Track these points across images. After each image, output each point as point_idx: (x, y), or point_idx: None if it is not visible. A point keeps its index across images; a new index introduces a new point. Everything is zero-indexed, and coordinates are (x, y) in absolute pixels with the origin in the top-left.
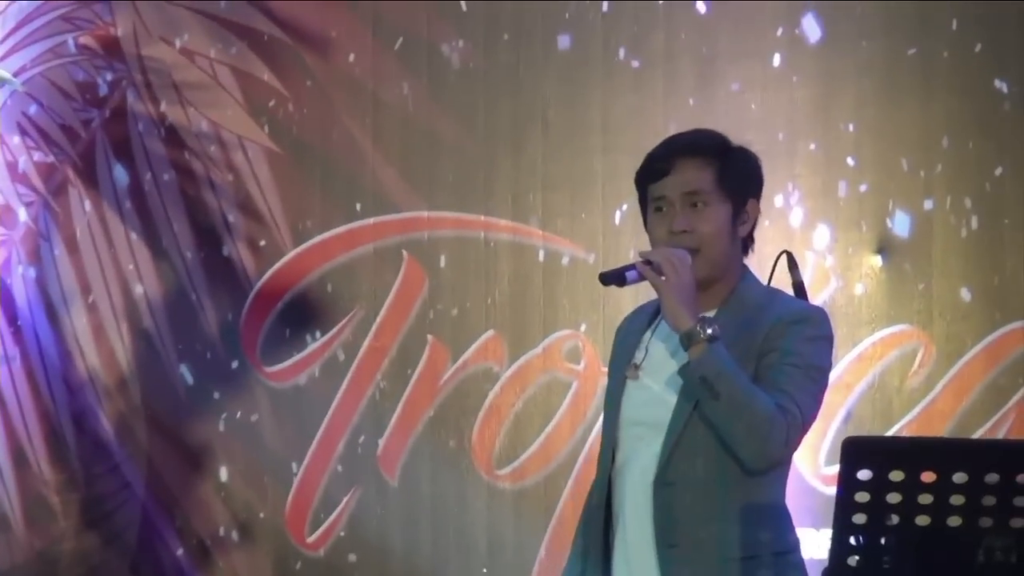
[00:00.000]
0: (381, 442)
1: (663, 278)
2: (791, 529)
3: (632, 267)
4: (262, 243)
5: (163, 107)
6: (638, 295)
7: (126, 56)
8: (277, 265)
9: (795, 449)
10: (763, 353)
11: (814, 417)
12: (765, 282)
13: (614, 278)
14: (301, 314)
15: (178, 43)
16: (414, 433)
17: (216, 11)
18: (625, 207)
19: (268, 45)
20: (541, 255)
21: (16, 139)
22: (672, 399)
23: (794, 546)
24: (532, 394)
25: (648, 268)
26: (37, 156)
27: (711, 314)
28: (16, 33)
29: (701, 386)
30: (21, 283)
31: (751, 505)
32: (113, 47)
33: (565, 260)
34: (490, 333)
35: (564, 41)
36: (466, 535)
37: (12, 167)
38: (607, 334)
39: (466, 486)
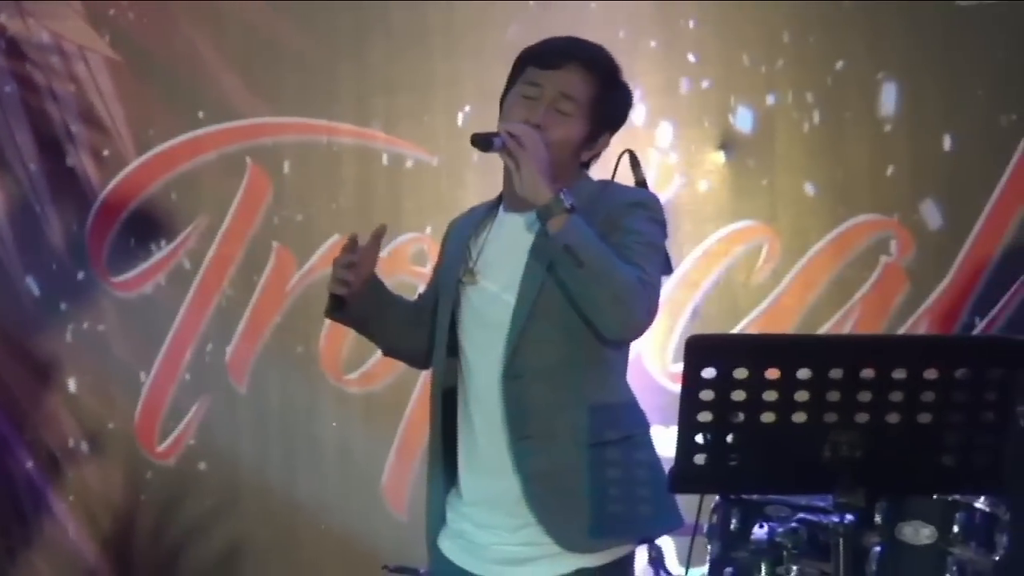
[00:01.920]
0: (229, 350)
1: (523, 151)
2: (640, 412)
3: (498, 135)
4: (105, 153)
5: (2, 19)
6: (482, 198)
7: None
8: (121, 175)
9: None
10: (604, 235)
11: (650, 314)
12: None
13: (481, 141)
14: (146, 223)
15: None
16: (262, 340)
17: None
18: (468, 109)
19: None
20: (385, 159)
21: None
22: (511, 298)
23: (644, 428)
24: None
25: (512, 139)
26: None
27: None
28: None
29: (565, 255)
30: None
31: (599, 391)
32: None
33: (409, 163)
34: (336, 238)
35: None
36: (316, 440)
37: None
38: None
39: (315, 392)
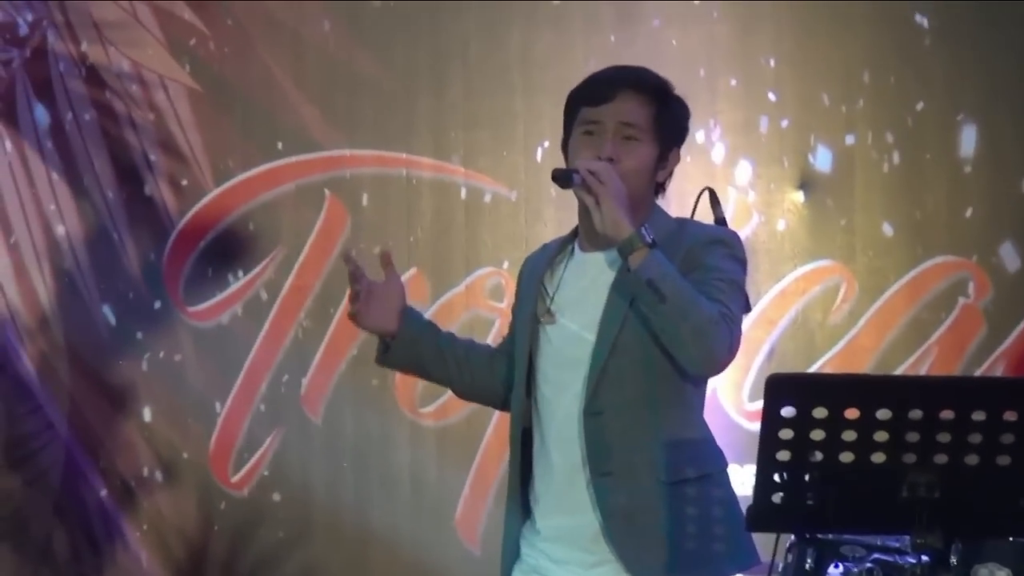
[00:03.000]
0: (304, 381)
1: (602, 186)
2: (717, 450)
3: (576, 171)
4: (184, 182)
5: (84, 47)
6: (560, 232)
7: None
8: (199, 204)
9: (734, 357)
10: (684, 272)
11: (732, 348)
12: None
13: (561, 177)
14: (223, 253)
15: None
16: (337, 372)
17: None
18: (547, 144)
19: None
20: (463, 193)
21: None
22: (591, 336)
23: (722, 466)
24: (455, 332)
25: (591, 176)
26: None
27: None
28: None
29: (647, 290)
30: None
31: (678, 428)
32: None
33: (487, 198)
34: (413, 271)
35: None
36: (390, 474)
37: None
38: None
39: (389, 425)
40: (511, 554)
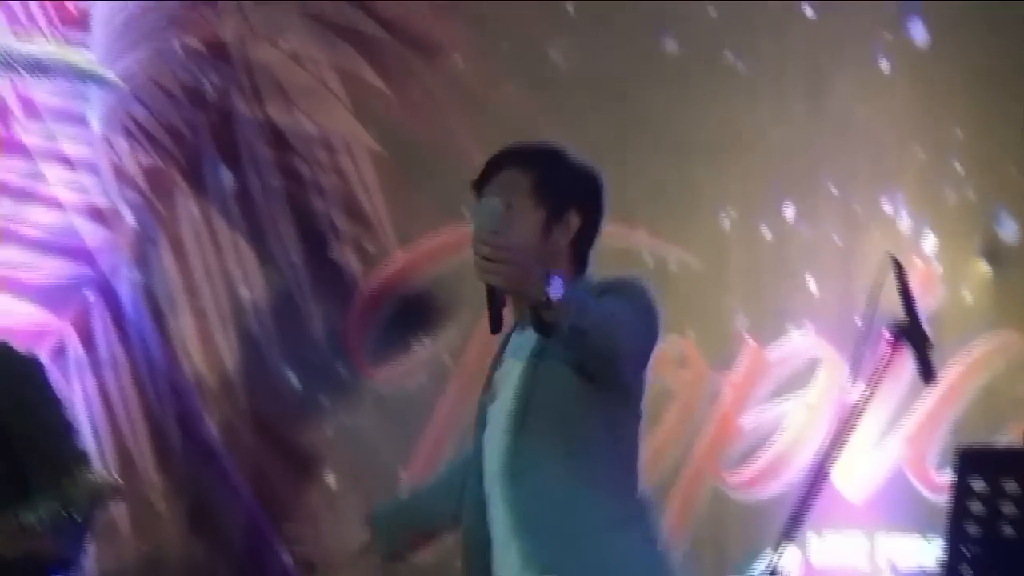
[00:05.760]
0: None
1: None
2: (637, 498)
3: (489, 301)
4: (368, 247)
5: (269, 109)
6: (746, 301)
7: (232, 58)
8: (383, 269)
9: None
10: None
11: (635, 350)
12: (874, 290)
13: (496, 321)
14: (407, 318)
15: (284, 45)
16: None
17: (321, 13)
18: (730, 210)
19: (374, 46)
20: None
21: (122, 141)
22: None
23: (638, 511)
24: None
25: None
26: (143, 158)
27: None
28: (122, 35)
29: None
30: (127, 286)
31: (596, 479)
32: (219, 49)
33: (672, 266)
34: None
35: (670, 44)
36: None
37: (118, 169)
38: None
39: None
40: None
